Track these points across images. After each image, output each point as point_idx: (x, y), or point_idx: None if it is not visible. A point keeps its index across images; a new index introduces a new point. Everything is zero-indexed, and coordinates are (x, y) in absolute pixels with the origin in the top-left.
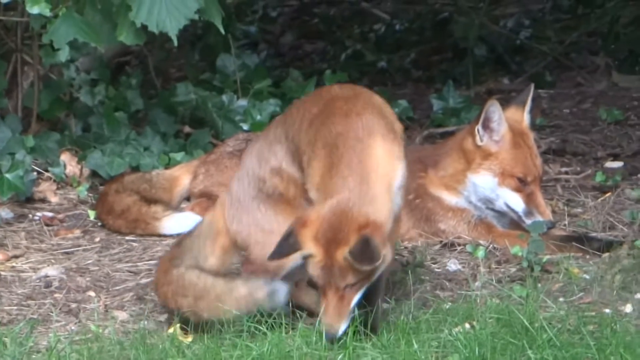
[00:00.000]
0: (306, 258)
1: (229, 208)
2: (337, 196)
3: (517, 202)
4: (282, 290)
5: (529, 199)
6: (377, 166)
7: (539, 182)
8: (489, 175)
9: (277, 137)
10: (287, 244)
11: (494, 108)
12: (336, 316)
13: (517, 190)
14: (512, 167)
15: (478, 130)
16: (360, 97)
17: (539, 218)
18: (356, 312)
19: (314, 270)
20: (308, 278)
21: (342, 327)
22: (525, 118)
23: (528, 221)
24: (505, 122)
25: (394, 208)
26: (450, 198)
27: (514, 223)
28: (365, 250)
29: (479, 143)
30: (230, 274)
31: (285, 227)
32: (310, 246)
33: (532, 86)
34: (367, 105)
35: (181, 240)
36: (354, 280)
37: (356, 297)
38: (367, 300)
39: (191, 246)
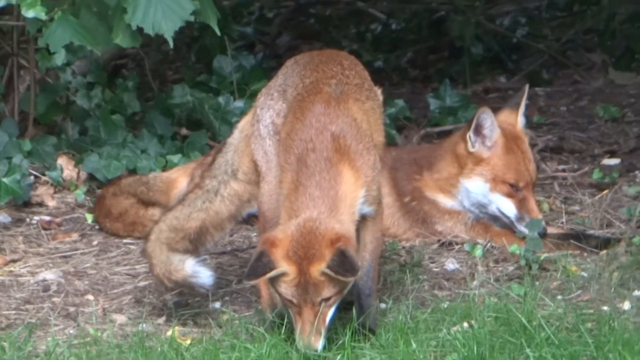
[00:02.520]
0: (278, 277)
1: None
2: (303, 215)
3: (509, 208)
4: (203, 273)
5: (521, 204)
6: (345, 192)
7: (531, 187)
8: (481, 181)
9: (277, 87)
10: (261, 264)
11: (485, 115)
12: (314, 333)
13: (509, 195)
14: (503, 173)
15: (470, 136)
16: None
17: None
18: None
19: (287, 289)
20: (283, 299)
21: (321, 343)
22: (520, 121)
23: (520, 227)
24: (497, 128)
25: (358, 218)
26: (445, 201)
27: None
28: (344, 262)
29: (471, 149)
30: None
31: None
32: (283, 264)
33: (527, 87)
34: (343, 112)
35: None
36: (329, 294)
37: (331, 312)
38: (360, 304)
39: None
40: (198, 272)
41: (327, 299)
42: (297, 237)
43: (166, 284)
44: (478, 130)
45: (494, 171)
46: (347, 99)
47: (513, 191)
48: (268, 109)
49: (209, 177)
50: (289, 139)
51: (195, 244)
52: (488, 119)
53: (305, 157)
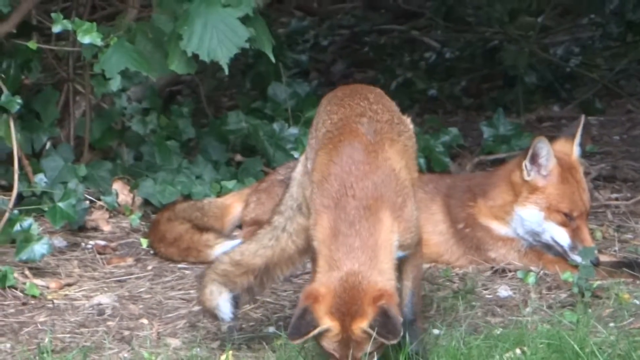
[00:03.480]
0: (321, 334)
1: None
2: (345, 268)
3: (563, 237)
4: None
5: (574, 233)
6: (384, 241)
7: (585, 217)
8: (536, 209)
9: (313, 125)
10: (305, 322)
11: (542, 144)
12: None
13: (563, 224)
14: (558, 202)
15: (526, 165)
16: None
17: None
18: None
19: (330, 343)
20: (325, 351)
21: None
22: (575, 150)
23: (573, 255)
24: (553, 158)
25: (395, 263)
26: (499, 228)
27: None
28: (387, 323)
29: (527, 178)
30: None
31: None
32: (326, 321)
33: (583, 117)
34: (382, 163)
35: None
36: (371, 349)
37: None
38: (408, 331)
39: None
40: (220, 307)
41: (368, 354)
42: (339, 292)
43: (202, 309)
44: (534, 159)
45: (549, 200)
46: (384, 143)
47: (567, 220)
48: (309, 147)
49: (277, 213)
50: (326, 182)
51: (261, 278)
52: (544, 148)
53: (345, 204)
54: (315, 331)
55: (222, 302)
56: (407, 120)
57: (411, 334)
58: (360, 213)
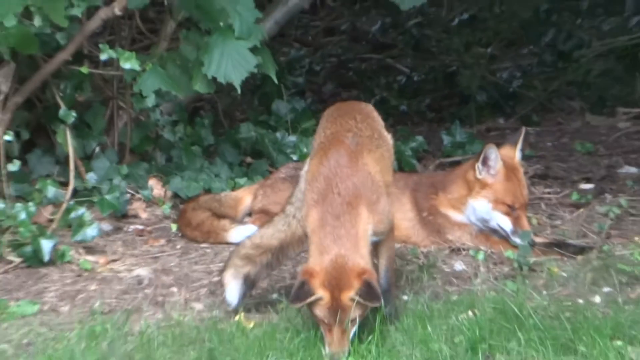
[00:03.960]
0: (315, 302)
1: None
2: (333, 252)
3: (506, 223)
4: (227, 289)
5: (515, 221)
6: (363, 231)
7: (524, 208)
8: (485, 201)
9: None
10: (303, 291)
11: (491, 150)
12: (341, 346)
13: (507, 214)
14: (503, 196)
15: (478, 166)
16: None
17: (521, 237)
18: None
19: (322, 311)
20: (316, 319)
21: (346, 352)
22: (517, 155)
23: (514, 238)
24: (500, 161)
25: (370, 248)
26: (455, 215)
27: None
28: (369, 292)
29: (478, 176)
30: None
31: None
32: (320, 291)
33: (523, 129)
34: (361, 167)
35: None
36: (354, 316)
37: (354, 329)
38: (384, 298)
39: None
40: (228, 292)
41: (352, 320)
42: (330, 269)
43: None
44: (485, 162)
45: (496, 194)
46: (363, 151)
47: (510, 210)
48: (311, 152)
49: (289, 204)
50: (315, 180)
51: (277, 256)
52: (493, 153)
53: (331, 200)
54: (312, 298)
55: (231, 289)
56: (388, 136)
57: (386, 300)
58: (344, 208)
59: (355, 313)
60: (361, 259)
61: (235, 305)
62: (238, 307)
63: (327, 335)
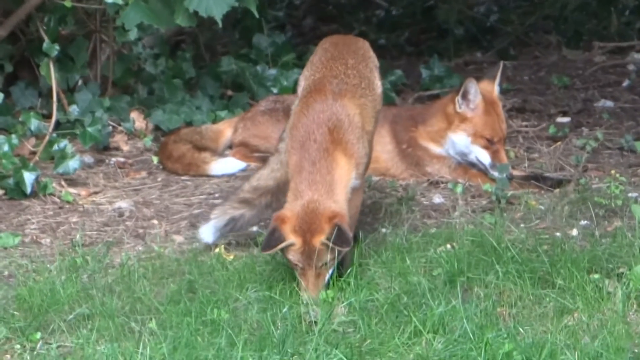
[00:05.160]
0: (287, 247)
1: None
2: (306, 197)
3: (485, 157)
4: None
5: (494, 155)
6: (339, 176)
7: (503, 142)
8: (464, 135)
9: (305, 70)
10: (274, 238)
11: (471, 84)
12: (316, 289)
13: (486, 147)
14: (482, 129)
15: (458, 100)
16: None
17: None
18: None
19: (295, 255)
20: (291, 263)
21: (321, 295)
22: (496, 89)
23: (492, 171)
24: (479, 95)
25: (347, 197)
26: (435, 148)
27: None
28: (340, 235)
29: (458, 110)
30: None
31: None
32: (291, 237)
33: (501, 63)
34: (338, 109)
35: None
36: (326, 259)
37: (328, 273)
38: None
39: None
40: (203, 229)
41: (325, 264)
42: (301, 214)
43: None
44: (465, 96)
45: (475, 128)
46: (344, 95)
47: (488, 144)
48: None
49: (281, 140)
50: (295, 129)
51: (277, 195)
52: (473, 87)
53: (308, 147)
54: (283, 244)
55: (208, 226)
56: (378, 84)
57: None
58: (320, 154)
59: (327, 257)
60: (334, 203)
61: (206, 241)
62: (211, 244)
63: (302, 279)
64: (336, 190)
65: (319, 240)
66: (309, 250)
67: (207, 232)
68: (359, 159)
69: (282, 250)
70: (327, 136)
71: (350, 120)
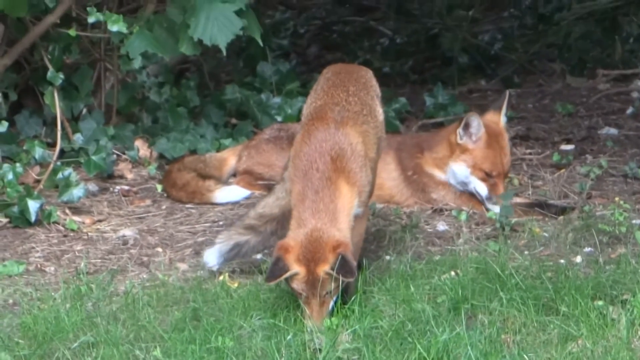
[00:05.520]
0: (292, 277)
1: None
2: (310, 225)
3: (482, 189)
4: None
5: (492, 187)
6: (342, 205)
7: (502, 176)
8: (464, 166)
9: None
10: (278, 268)
11: (473, 118)
12: (320, 317)
13: (484, 180)
14: (481, 162)
15: (459, 132)
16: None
17: (496, 204)
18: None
19: (299, 285)
20: (295, 291)
21: (324, 323)
22: (502, 120)
23: (488, 204)
24: (482, 128)
25: (351, 225)
26: (440, 175)
27: None
28: (344, 265)
29: (459, 142)
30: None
31: None
32: (295, 266)
33: (507, 93)
34: (341, 138)
35: None
36: (330, 288)
37: (332, 300)
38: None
39: None
40: (208, 254)
41: (329, 292)
42: (305, 243)
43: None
44: (466, 128)
45: (475, 160)
46: (347, 123)
47: (487, 177)
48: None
49: (285, 169)
50: (297, 158)
51: (282, 223)
52: (475, 121)
53: (311, 176)
54: (287, 274)
55: (213, 250)
56: (380, 112)
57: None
58: (323, 183)
59: (331, 286)
60: (338, 231)
61: (211, 266)
62: (216, 270)
63: (306, 307)
64: (339, 218)
65: (323, 269)
66: (312, 279)
67: (211, 257)
68: (361, 187)
69: (286, 279)
70: (330, 165)
71: (353, 149)
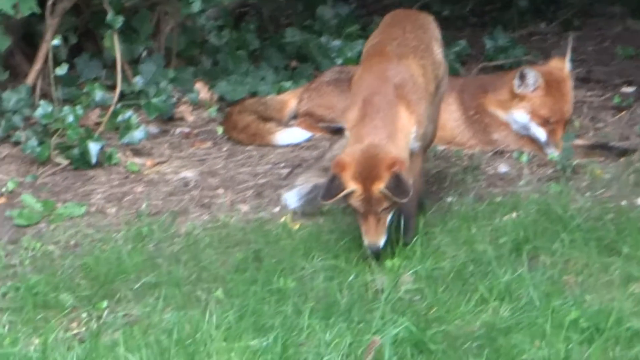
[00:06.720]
0: (348, 194)
1: None
2: (367, 140)
3: (541, 134)
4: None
5: (551, 133)
6: (402, 126)
7: (563, 123)
8: (523, 112)
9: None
10: (334, 186)
11: (527, 70)
12: (376, 234)
13: (543, 125)
14: (539, 109)
15: (515, 82)
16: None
17: (555, 149)
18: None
19: (355, 202)
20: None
21: (382, 241)
22: (566, 66)
23: (547, 149)
24: (539, 77)
25: (409, 151)
26: (503, 115)
27: None
28: (398, 185)
29: (516, 91)
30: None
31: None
32: (351, 184)
33: (571, 39)
34: (403, 68)
35: None
36: (387, 205)
37: (389, 217)
38: (404, 224)
39: None
40: (289, 194)
41: (385, 209)
42: (361, 160)
43: None
44: (522, 79)
45: (533, 107)
46: (407, 56)
47: (546, 123)
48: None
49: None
50: (358, 85)
51: None
52: (530, 73)
53: (371, 99)
54: (342, 193)
55: (291, 193)
56: (437, 52)
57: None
58: (384, 105)
59: (388, 202)
60: (395, 148)
61: (291, 207)
62: (295, 210)
63: (363, 224)
64: (398, 136)
65: (378, 188)
66: (368, 196)
67: (292, 198)
68: (420, 118)
69: (345, 196)
70: (392, 90)
71: (414, 81)
